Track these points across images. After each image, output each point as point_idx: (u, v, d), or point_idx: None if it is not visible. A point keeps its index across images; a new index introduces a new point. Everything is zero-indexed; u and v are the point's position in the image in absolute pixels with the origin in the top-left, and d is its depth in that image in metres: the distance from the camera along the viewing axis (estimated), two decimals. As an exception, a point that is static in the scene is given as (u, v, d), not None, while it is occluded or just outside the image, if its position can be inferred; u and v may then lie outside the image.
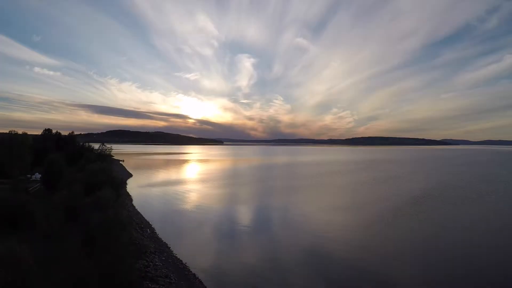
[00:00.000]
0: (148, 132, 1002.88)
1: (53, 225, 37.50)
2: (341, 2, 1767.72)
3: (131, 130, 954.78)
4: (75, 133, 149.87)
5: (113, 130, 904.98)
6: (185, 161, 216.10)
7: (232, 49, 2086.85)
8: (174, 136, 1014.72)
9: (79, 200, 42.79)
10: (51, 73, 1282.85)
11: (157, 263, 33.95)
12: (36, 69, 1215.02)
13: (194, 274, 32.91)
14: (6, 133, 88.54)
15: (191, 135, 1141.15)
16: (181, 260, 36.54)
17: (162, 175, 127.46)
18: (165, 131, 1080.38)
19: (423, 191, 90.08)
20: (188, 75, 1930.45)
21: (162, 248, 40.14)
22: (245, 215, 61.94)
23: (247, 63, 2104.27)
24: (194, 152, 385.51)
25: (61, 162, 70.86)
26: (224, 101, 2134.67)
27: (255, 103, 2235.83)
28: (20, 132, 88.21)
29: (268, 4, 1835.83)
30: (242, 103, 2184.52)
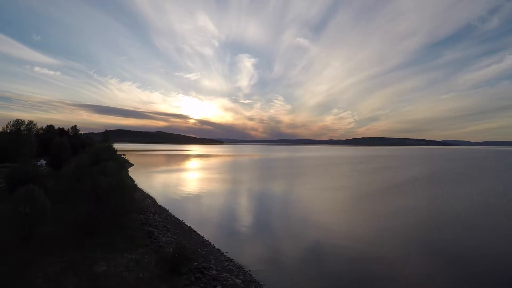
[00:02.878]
0: (149, 131, 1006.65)
1: (62, 188, 41.52)
2: (341, 2, 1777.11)
3: (131, 130, 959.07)
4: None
5: (113, 130, 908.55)
6: (186, 156, 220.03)
7: (232, 48, 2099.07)
8: (174, 136, 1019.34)
9: (86, 169, 46.60)
10: (51, 72, 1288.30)
11: (156, 219, 37.91)
12: (36, 68, 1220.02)
13: (190, 227, 36.86)
14: (13, 121, 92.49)
15: (191, 135, 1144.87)
16: (179, 218, 40.54)
17: (163, 165, 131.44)
18: (165, 131, 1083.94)
19: (418, 177, 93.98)
20: (188, 75, 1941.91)
21: (161, 210, 44.19)
22: (240, 191, 65.79)
23: (247, 63, 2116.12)
24: (195, 149, 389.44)
25: (66, 145, 75.08)
26: (225, 101, 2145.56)
27: (255, 103, 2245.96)
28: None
29: (268, 3, 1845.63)
30: (243, 103, 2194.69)
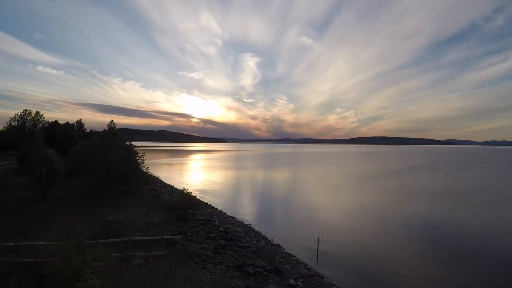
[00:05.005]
0: (152, 130, 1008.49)
1: (72, 162, 43.50)
2: (345, 1, 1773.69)
3: (134, 129, 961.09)
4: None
5: (117, 129, 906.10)
6: (191, 151, 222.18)
7: (235, 48, 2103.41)
8: (178, 135, 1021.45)
9: (96, 147, 48.52)
10: (54, 71, 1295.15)
11: (162, 189, 39.90)
12: (39, 67, 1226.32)
13: (194, 196, 38.62)
14: (21, 112, 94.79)
15: (194, 134, 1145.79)
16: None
17: (168, 158, 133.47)
18: (168, 130, 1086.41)
19: (413, 165, 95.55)
20: (191, 74, 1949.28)
21: (166, 186, 46.34)
22: (242, 173, 67.56)
23: (250, 62, 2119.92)
24: (199, 146, 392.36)
25: (74, 133, 77.37)
26: (228, 100, 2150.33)
27: (258, 103, 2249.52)
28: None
29: (271, 2, 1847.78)
30: (246, 102, 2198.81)
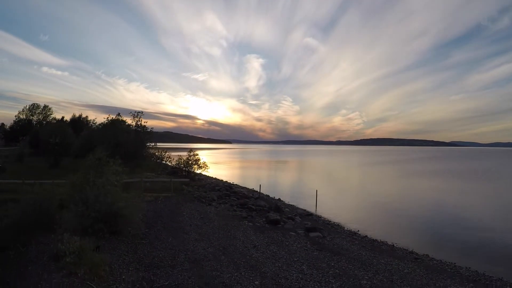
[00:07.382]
0: (157, 132, 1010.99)
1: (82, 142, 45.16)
2: (350, 2, 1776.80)
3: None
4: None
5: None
6: (197, 149, 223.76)
7: (240, 49, 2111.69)
8: (183, 136, 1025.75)
9: (107, 130, 50.09)
10: (59, 73, 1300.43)
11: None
12: (44, 68, 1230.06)
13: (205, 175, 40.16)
14: (29, 105, 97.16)
15: (199, 136, 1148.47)
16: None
17: (175, 153, 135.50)
18: (173, 132, 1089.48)
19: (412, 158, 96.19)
20: (196, 76, 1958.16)
21: (173, 166, 47.71)
22: (244, 162, 68.92)
23: (255, 63, 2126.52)
24: (205, 146, 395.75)
25: (83, 124, 79.36)
26: (233, 102, 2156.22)
27: (263, 104, 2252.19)
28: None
29: (276, 3, 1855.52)
30: (251, 104, 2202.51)
